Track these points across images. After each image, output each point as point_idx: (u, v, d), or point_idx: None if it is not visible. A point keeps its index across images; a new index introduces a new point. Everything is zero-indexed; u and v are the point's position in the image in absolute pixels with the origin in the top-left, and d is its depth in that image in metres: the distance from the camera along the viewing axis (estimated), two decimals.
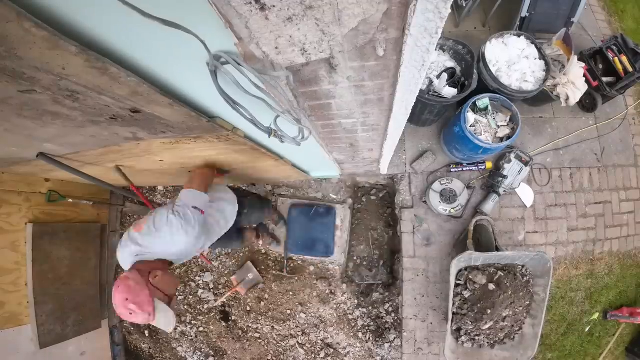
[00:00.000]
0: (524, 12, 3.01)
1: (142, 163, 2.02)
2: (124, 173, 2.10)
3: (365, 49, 0.91)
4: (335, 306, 3.55)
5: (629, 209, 3.30)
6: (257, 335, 3.64)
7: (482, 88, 2.73)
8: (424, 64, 1.00)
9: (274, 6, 0.67)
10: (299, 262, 3.62)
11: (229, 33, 0.75)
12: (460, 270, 2.72)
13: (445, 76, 2.61)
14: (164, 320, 1.38)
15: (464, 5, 3.15)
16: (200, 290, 3.70)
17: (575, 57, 2.75)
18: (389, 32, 0.85)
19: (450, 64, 2.81)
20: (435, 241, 3.10)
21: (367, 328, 3.53)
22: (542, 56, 2.83)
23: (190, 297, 3.72)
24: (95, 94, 0.84)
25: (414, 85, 1.17)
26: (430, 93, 2.65)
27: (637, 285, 3.47)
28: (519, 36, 2.87)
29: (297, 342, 3.58)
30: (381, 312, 3.49)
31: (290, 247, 3.51)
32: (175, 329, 3.74)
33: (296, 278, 3.56)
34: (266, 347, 3.64)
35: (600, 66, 3.06)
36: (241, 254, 3.70)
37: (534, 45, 2.84)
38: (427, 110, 2.81)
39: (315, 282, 3.55)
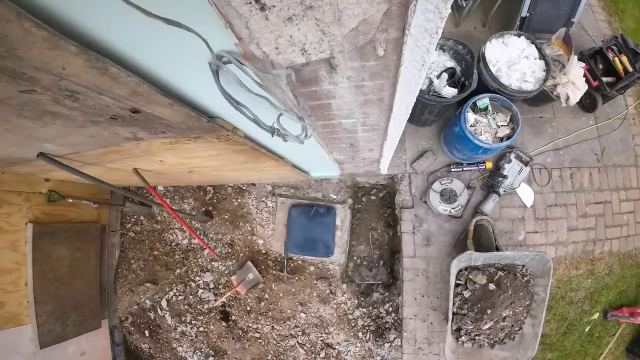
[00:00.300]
0: (524, 12, 3.01)
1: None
2: (142, 175, 2.12)
3: (365, 49, 0.91)
4: (335, 306, 3.55)
5: (629, 209, 3.30)
6: (257, 335, 3.64)
7: (482, 88, 2.73)
8: (424, 64, 1.00)
9: (274, 6, 0.67)
10: (299, 262, 3.62)
11: (229, 33, 0.75)
12: (460, 270, 2.72)
13: (445, 76, 2.61)
14: None
15: (464, 5, 3.15)
16: (201, 290, 3.70)
17: (575, 57, 2.75)
18: (389, 32, 0.85)
19: (450, 64, 2.81)
20: (435, 241, 3.10)
21: (367, 328, 3.53)
22: (542, 56, 2.83)
23: (191, 297, 3.72)
24: (95, 94, 0.84)
25: (414, 85, 1.17)
26: (430, 93, 2.65)
27: (637, 285, 3.47)
28: (519, 36, 2.87)
29: (297, 342, 3.58)
30: (381, 312, 3.49)
31: (290, 247, 3.51)
32: (175, 328, 3.74)
33: (296, 278, 3.56)
34: (266, 347, 3.64)
35: (600, 66, 3.05)
36: (241, 254, 3.70)
37: (534, 45, 2.84)
38: (427, 110, 2.81)
39: (315, 282, 3.55)
